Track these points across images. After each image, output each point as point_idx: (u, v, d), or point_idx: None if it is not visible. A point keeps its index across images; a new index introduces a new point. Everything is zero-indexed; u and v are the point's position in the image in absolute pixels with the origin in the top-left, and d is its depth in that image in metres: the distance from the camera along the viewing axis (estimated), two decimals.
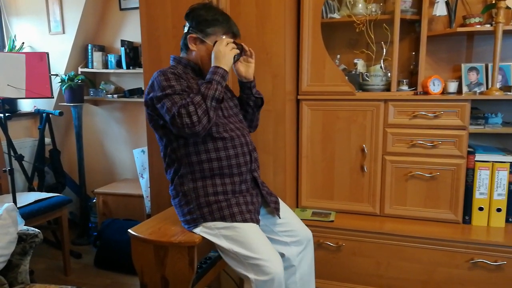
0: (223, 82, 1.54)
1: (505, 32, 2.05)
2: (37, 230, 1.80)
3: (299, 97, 2.28)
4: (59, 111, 2.99)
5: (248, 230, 1.54)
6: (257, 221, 1.61)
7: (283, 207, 1.78)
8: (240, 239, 1.52)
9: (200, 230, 1.58)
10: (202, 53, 1.63)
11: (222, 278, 2.25)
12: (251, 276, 1.47)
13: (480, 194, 2.08)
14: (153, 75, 1.59)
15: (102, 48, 3.24)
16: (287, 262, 1.70)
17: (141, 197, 2.85)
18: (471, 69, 2.24)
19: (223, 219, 1.56)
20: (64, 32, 3.17)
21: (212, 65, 1.56)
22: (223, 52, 1.55)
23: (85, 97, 3.21)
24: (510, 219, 2.10)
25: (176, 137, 1.58)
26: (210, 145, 1.58)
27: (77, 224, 3.31)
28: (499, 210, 2.07)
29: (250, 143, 1.68)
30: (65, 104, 3.12)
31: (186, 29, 1.65)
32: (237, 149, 1.61)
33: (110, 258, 2.67)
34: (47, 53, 2.64)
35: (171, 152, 1.62)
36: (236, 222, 1.55)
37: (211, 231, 1.57)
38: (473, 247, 1.95)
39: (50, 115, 3.05)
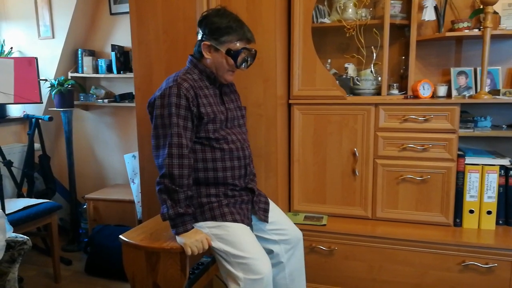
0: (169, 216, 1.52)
1: (493, 37, 2.08)
2: (25, 237, 1.78)
3: (290, 101, 2.29)
4: (48, 116, 2.96)
5: (238, 230, 1.56)
6: (248, 224, 1.63)
7: (274, 208, 1.79)
8: (230, 238, 1.53)
9: None
10: (216, 60, 1.61)
11: (215, 284, 2.24)
12: (240, 274, 1.48)
13: (470, 197, 2.10)
14: (168, 81, 1.59)
15: (92, 53, 3.21)
16: (275, 259, 1.72)
17: (132, 202, 2.82)
18: (460, 73, 2.27)
19: (213, 218, 1.57)
20: (53, 37, 3.14)
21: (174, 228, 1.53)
22: (189, 245, 1.52)
23: (75, 102, 3.18)
24: (500, 222, 2.12)
25: None
26: (208, 155, 1.59)
27: (67, 231, 3.27)
28: (489, 212, 2.09)
29: (248, 157, 1.70)
30: (55, 109, 3.09)
31: (199, 36, 1.64)
32: (234, 162, 1.62)
33: (101, 264, 2.64)
34: (36, 58, 2.61)
35: None
36: (227, 221, 1.56)
37: (202, 231, 1.57)
38: (464, 250, 1.96)
39: (40, 120, 3.01)
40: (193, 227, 1.54)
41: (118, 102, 3.08)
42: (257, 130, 2.19)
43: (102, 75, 3.12)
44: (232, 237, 1.53)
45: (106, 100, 3.12)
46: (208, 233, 1.56)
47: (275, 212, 1.78)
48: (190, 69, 1.65)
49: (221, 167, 1.60)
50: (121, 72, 3.04)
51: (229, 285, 1.53)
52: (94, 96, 3.19)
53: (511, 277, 1.91)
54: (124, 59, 3.08)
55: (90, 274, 2.68)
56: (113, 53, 3.02)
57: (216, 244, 1.55)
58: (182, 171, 1.49)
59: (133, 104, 2.91)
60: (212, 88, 1.65)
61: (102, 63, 3.11)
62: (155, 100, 1.55)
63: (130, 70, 3.01)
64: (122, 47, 3.09)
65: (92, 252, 2.71)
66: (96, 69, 3.15)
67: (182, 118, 1.52)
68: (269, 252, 1.69)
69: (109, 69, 3.09)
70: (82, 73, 3.16)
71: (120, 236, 1.61)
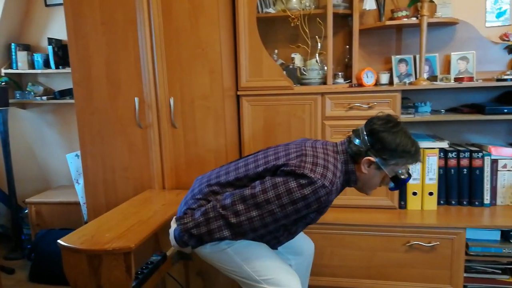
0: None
1: (430, 25, 2.16)
2: None
3: (238, 92, 2.26)
4: None
5: (261, 247, 1.49)
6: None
7: None
8: (252, 256, 1.45)
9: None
10: (373, 177, 1.44)
11: (168, 283, 2.18)
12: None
13: (413, 179, 2.18)
14: (323, 165, 1.34)
15: (27, 47, 3.01)
16: None
17: (77, 204, 2.69)
18: (400, 60, 2.34)
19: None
20: None
21: None
22: None
23: (11, 101, 2.97)
24: (441, 202, 2.22)
25: None
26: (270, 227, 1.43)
27: (9, 238, 3.07)
28: (431, 194, 2.18)
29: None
30: None
31: (363, 145, 1.41)
32: (283, 239, 1.55)
33: (47, 271, 2.51)
34: None
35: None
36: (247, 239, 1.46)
37: (217, 247, 1.46)
38: (409, 231, 2.04)
39: None
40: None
41: (58, 99, 2.92)
42: (205, 123, 2.15)
43: (39, 71, 2.94)
44: (255, 254, 1.45)
45: (44, 97, 2.95)
46: (227, 250, 1.45)
47: None
48: (340, 168, 1.42)
49: (271, 237, 1.51)
50: (60, 67, 2.88)
51: None
52: (32, 93, 3.00)
53: (452, 254, 2.01)
54: (62, 53, 2.92)
55: (34, 281, 2.55)
56: (50, 47, 2.85)
57: (237, 261, 1.45)
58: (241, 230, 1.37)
59: (73, 101, 2.75)
60: (339, 191, 1.48)
61: (38, 58, 2.92)
62: (297, 177, 1.32)
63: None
64: (60, 40, 2.92)
65: (36, 258, 2.57)
66: (32, 65, 2.96)
67: (297, 213, 1.36)
68: None
69: (46, 64, 2.92)
70: (17, 69, 2.96)
71: (58, 241, 1.51)
